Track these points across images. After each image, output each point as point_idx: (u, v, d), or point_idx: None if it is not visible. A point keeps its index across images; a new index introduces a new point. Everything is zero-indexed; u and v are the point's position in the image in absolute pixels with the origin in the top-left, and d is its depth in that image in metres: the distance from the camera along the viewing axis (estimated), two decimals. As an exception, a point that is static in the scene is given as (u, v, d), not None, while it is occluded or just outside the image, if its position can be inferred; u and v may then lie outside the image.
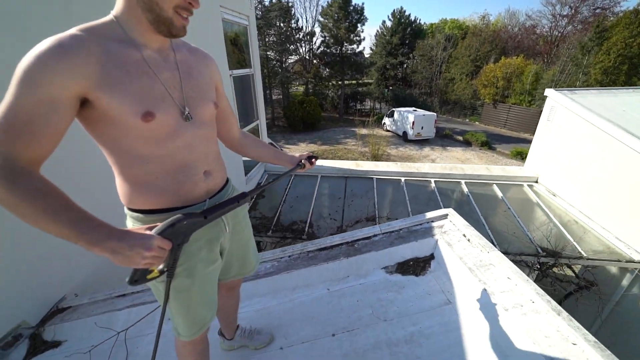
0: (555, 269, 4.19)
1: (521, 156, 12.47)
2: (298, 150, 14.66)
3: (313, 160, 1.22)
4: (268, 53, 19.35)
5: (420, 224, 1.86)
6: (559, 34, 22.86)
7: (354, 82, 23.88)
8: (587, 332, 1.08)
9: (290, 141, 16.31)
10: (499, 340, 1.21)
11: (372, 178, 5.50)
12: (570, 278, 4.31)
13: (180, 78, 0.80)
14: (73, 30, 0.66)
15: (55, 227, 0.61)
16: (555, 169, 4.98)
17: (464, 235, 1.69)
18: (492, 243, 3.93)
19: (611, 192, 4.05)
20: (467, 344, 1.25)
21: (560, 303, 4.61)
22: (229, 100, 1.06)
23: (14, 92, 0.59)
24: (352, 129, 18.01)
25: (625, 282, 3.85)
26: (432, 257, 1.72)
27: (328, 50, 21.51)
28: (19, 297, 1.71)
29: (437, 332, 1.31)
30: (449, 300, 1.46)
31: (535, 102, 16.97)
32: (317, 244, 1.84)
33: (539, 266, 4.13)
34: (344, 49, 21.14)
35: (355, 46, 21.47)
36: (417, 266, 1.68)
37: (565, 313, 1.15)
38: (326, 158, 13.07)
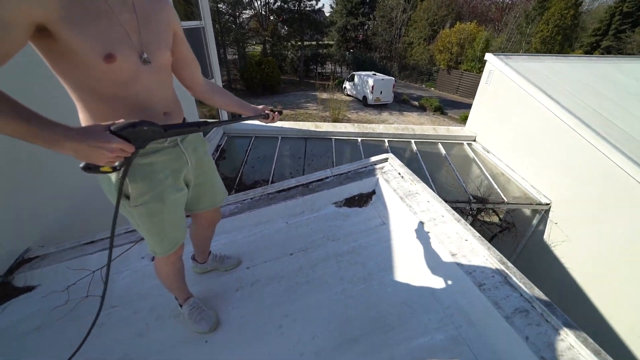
0: (484, 215, 4.97)
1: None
2: (258, 114, 14.28)
3: (276, 114, 1.27)
4: (219, 5, 17.71)
5: (365, 167, 2.16)
6: (510, 1, 23.91)
7: (314, 43, 23.09)
8: (475, 231, 1.48)
9: (249, 105, 15.73)
10: (416, 244, 1.58)
11: (331, 139, 5.76)
12: (495, 223, 5.15)
13: (138, 21, 0.82)
14: None
15: (9, 125, 0.62)
16: (490, 128, 5.65)
17: (399, 173, 2.03)
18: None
19: (530, 147, 4.78)
20: (394, 250, 1.61)
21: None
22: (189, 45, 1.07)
23: None
24: (313, 93, 17.81)
25: (535, 221, 4.73)
26: (373, 192, 2.05)
27: (286, 6, 20.24)
28: (-21, 248, 1.73)
29: (373, 244, 1.66)
30: (383, 222, 1.81)
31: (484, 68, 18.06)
32: (277, 187, 2.07)
33: (470, 211, 4.86)
34: (302, 4, 20.04)
35: (314, 2, 20.45)
36: (361, 200, 2.00)
37: (463, 221, 1.54)
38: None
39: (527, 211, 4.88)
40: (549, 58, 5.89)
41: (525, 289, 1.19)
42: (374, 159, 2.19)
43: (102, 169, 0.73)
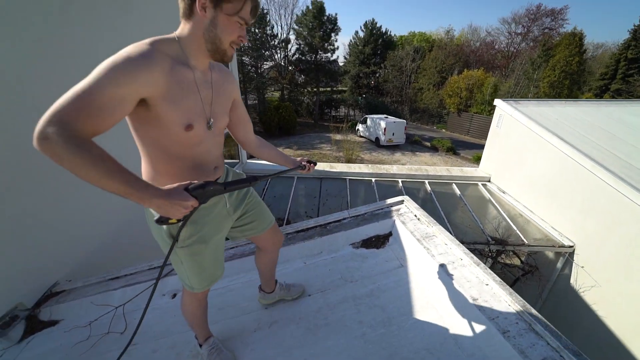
0: (504, 257, 4.78)
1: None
2: (274, 154, 14.82)
3: (312, 165, 1.43)
4: (243, 58, 19.49)
5: (382, 208, 2.22)
6: (515, 50, 25.14)
7: (328, 89, 24.58)
8: (495, 275, 1.47)
9: (266, 146, 16.42)
10: (435, 288, 1.57)
11: (345, 179, 5.89)
12: (517, 265, 4.93)
13: (212, 95, 0.99)
14: (149, 44, 0.82)
15: (113, 184, 0.73)
16: (504, 169, 5.66)
17: (415, 215, 2.07)
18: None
19: (547, 188, 4.72)
20: (413, 293, 1.60)
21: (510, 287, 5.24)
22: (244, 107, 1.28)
23: (96, 81, 0.72)
24: (327, 135, 18.51)
25: (559, 264, 4.49)
26: (390, 234, 2.08)
27: (303, 58, 22.07)
28: (14, 281, 1.83)
29: (392, 287, 1.66)
30: (401, 264, 1.81)
31: (494, 111, 18.48)
32: (295, 227, 2.13)
33: (490, 253, 4.70)
34: (318, 56, 21.79)
35: (329, 54, 22.22)
36: (378, 241, 2.03)
37: (482, 264, 1.54)
38: (302, 162, 13.36)
39: (550, 254, 4.66)
40: (557, 103, 6.05)
41: (552, 337, 1.15)
42: (390, 200, 2.26)
43: (170, 222, 0.86)
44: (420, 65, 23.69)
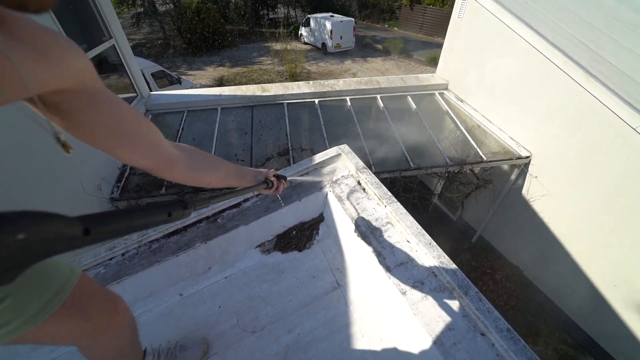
0: (460, 174, 4.48)
1: (435, 62, 12.65)
2: (204, 76, 12.41)
3: (282, 181, 0.93)
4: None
5: (306, 172, 1.36)
6: None
7: (260, -18, 19.89)
8: (499, 316, 0.80)
9: (193, 66, 13.60)
10: (392, 337, 0.90)
11: (282, 103, 4.77)
12: (471, 179, 4.70)
13: None
14: None
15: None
16: (463, 73, 4.90)
17: (359, 182, 1.27)
18: (407, 160, 3.86)
19: (509, 93, 4.14)
20: (356, 352, 0.92)
21: (462, 202, 5.17)
22: None
23: None
24: (267, 44, 15.75)
25: (513, 176, 4.30)
26: (321, 218, 1.29)
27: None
28: None
29: (319, 338, 0.96)
30: (337, 283, 1.09)
31: (449, 2, 16.72)
32: (161, 229, 1.24)
33: (447, 175, 4.34)
34: None
35: None
36: (302, 236, 1.25)
37: (474, 289, 0.85)
38: (239, 83, 11.41)
39: (506, 166, 4.43)
40: (527, -20, 4.99)
41: None
42: (318, 157, 1.39)
43: None
44: (368, -57, 19.62)
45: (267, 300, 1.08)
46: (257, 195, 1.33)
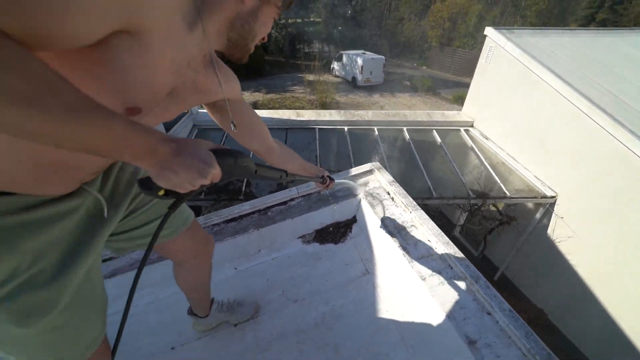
0: (483, 208, 4.53)
1: (461, 100, 12.97)
2: (241, 99, 13.40)
3: (332, 181, 1.14)
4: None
5: (343, 183, 1.62)
6: (503, -27, 22.71)
7: (299, 20, 21.74)
8: (504, 302, 0.97)
9: (232, 90, 14.75)
10: (413, 314, 1.08)
11: (314, 128, 5.16)
12: (495, 214, 4.73)
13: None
14: None
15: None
16: (489, 112, 5.11)
17: (388, 193, 1.50)
18: (429, 189, 4.03)
19: (535, 133, 4.28)
20: (380, 322, 1.11)
21: (484, 237, 5.14)
22: None
23: None
24: (301, 75, 16.86)
25: (538, 215, 4.31)
26: (354, 220, 1.52)
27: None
28: None
29: (351, 311, 1.15)
30: (367, 271, 1.29)
31: (477, 46, 17.34)
32: (223, 215, 1.52)
33: (469, 207, 4.42)
34: (286, -21, 18.59)
35: (299, -23, 19.04)
36: (337, 232, 1.48)
37: (482, 279, 1.03)
38: (272, 108, 12.23)
39: (530, 204, 4.45)
40: (554, 32, 5.29)
41: None
42: (354, 171, 1.65)
43: (159, 193, 0.51)
44: (402, -9, 21.12)
45: (307, 279, 1.29)
46: (302, 196, 1.59)
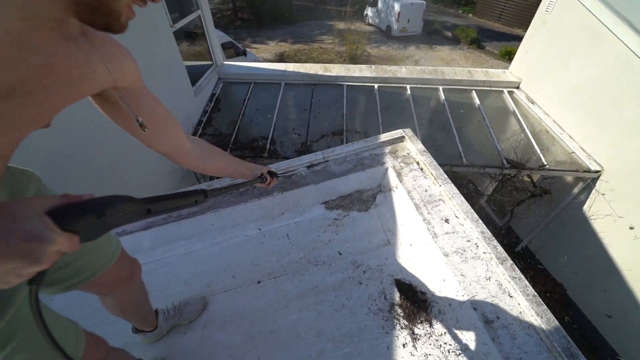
0: (515, 179, 4.29)
1: (509, 56, 11.60)
2: (267, 50, 12.88)
3: (274, 178, 1.00)
4: None
5: (371, 149, 1.56)
6: None
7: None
8: (526, 282, 0.95)
9: (257, 39, 14.13)
10: (431, 288, 1.09)
11: (342, 85, 4.91)
12: (528, 186, 4.48)
13: None
14: None
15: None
16: (540, 72, 4.55)
17: (418, 163, 1.43)
18: (460, 156, 3.83)
19: (591, 100, 3.80)
20: (398, 294, 1.13)
21: (512, 209, 4.95)
22: None
23: None
24: (330, 22, 15.66)
25: (576, 190, 4.02)
26: (379, 188, 1.49)
27: None
28: None
29: (370, 277, 1.19)
30: (388, 241, 1.30)
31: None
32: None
33: (501, 177, 4.20)
34: None
35: None
36: (361, 200, 1.46)
37: (509, 260, 1.00)
38: (299, 60, 11.68)
39: (570, 178, 4.15)
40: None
41: None
42: (383, 137, 1.57)
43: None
44: None
45: (328, 244, 1.33)
46: (326, 161, 1.56)
